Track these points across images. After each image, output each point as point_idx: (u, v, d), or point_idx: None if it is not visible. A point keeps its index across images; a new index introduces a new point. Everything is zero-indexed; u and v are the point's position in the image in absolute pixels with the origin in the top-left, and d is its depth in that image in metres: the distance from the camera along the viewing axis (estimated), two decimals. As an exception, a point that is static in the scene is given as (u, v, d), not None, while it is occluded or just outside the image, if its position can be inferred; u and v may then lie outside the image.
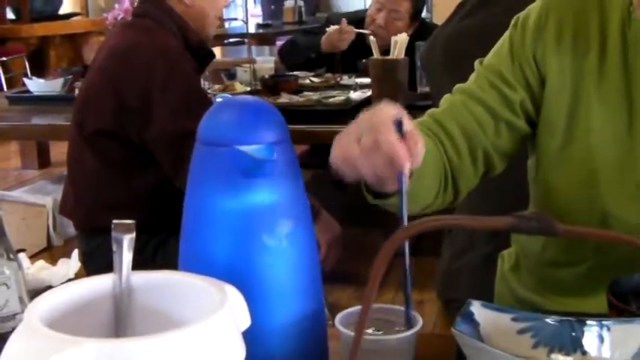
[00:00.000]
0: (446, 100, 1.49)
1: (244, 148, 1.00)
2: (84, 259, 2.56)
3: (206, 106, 1.09)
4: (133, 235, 0.92)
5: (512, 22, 1.49)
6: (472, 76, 1.50)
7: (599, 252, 1.39)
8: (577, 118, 1.39)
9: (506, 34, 1.49)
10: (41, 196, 4.14)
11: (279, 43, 8.16)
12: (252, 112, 1.05)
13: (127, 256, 0.92)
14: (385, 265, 0.55)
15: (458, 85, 1.50)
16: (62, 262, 1.51)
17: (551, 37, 1.41)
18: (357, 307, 1.03)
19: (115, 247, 0.91)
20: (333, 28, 3.86)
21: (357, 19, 3.98)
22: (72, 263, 1.51)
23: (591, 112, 1.37)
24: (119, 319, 0.92)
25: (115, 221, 0.92)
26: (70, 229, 3.70)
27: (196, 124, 1.06)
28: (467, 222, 0.62)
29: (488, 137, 1.44)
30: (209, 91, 3.37)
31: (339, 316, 1.04)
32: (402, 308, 1.06)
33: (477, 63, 1.51)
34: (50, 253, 3.93)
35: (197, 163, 1.06)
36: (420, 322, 1.03)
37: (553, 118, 1.42)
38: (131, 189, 2.56)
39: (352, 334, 0.96)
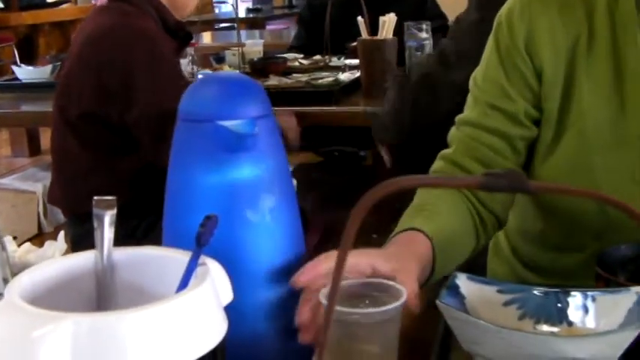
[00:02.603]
0: (453, 137, 1.45)
1: (226, 123, 1.00)
2: (73, 245, 2.57)
3: (185, 87, 1.09)
4: (114, 211, 0.92)
5: (496, 21, 1.44)
6: (470, 102, 1.46)
7: (599, 239, 1.38)
8: (569, 103, 1.37)
9: (491, 38, 1.45)
10: (31, 183, 4.12)
11: (269, 27, 8.16)
12: (232, 87, 1.05)
13: (109, 232, 0.91)
14: (356, 227, 0.54)
15: (459, 117, 1.46)
16: (48, 244, 1.50)
17: (539, 27, 1.38)
18: (345, 282, 1.01)
19: (95, 224, 0.91)
20: None
21: None
22: (58, 245, 1.50)
23: (583, 97, 1.36)
24: (101, 296, 0.92)
25: (95, 197, 0.92)
26: (61, 216, 3.68)
27: (176, 105, 1.06)
28: (440, 181, 0.61)
29: (509, 159, 1.42)
30: (199, 75, 3.36)
31: (324, 290, 1.01)
32: (388, 282, 1.03)
33: (471, 84, 1.47)
34: (41, 239, 3.89)
35: (179, 140, 1.05)
36: (404, 295, 0.99)
37: (549, 107, 1.40)
38: (117, 173, 2.55)
39: (341, 309, 0.95)
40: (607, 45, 1.35)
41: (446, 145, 1.46)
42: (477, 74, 1.46)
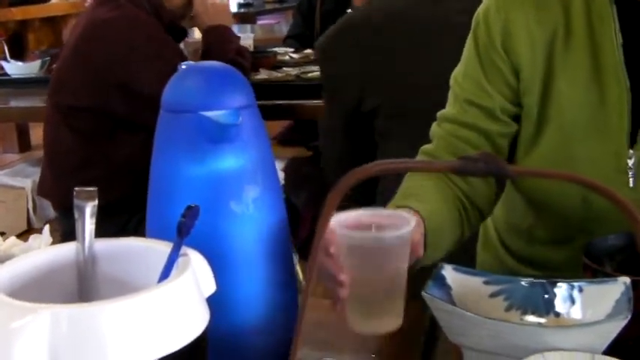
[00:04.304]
0: (434, 133, 1.45)
1: (209, 113, 0.99)
2: (64, 239, 2.56)
3: None
4: (95, 202, 0.91)
5: (474, 20, 1.44)
6: (450, 99, 1.47)
7: (585, 232, 1.37)
8: (549, 98, 1.37)
9: (470, 36, 1.45)
10: (20, 179, 4.12)
11: (260, 22, 8.14)
12: (215, 77, 1.04)
13: (90, 224, 0.90)
14: (332, 213, 0.54)
15: (440, 113, 1.47)
16: (33, 237, 1.49)
17: (515, 24, 1.38)
18: (353, 212, 1.03)
19: (77, 215, 0.90)
20: None
21: None
22: (43, 238, 1.49)
23: (562, 91, 1.36)
24: (83, 287, 0.91)
25: (76, 188, 0.91)
26: (50, 211, 3.68)
27: None
28: (415, 165, 0.60)
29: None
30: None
31: (335, 217, 0.99)
32: (396, 212, 1.05)
33: (452, 81, 1.47)
34: (31, 235, 3.89)
35: (162, 130, 1.04)
36: (413, 221, 1.02)
37: (528, 102, 1.40)
38: (110, 164, 2.56)
39: (352, 233, 1.00)
40: (584, 38, 1.35)
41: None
42: (457, 72, 1.47)
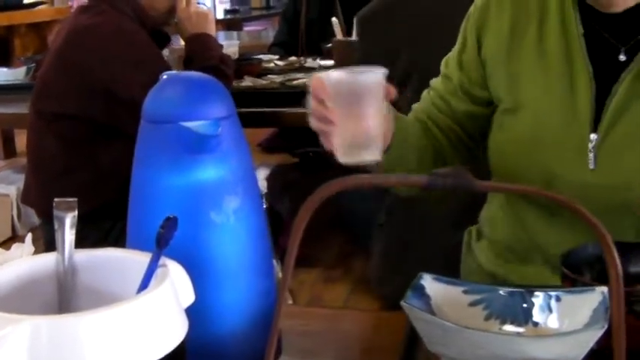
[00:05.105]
0: (422, 97, 1.62)
1: (188, 124, 0.99)
2: (48, 247, 2.56)
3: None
4: (75, 213, 0.91)
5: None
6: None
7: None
8: (520, 89, 1.45)
9: (464, 21, 1.58)
10: (5, 186, 4.11)
11: (247, 28, 8.15)
12: (195, 87, 1.04)
13: (70, 234, 0.91)
14: (303, 226, 0.54)
15: (431, 80, 1.62)
16: (16, 246, 1.48)
17: (491, 16, 1.49)
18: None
19: (56, 226, 0.91)
20: None
21: None
22: (25, 247, 1.49)
23: (535, 81, 1.43)
24: (63, 298, 0.91)
25: (56, 199, 0.91)
26: (35, 219, 3.66)
27: None
28: (384, 180, 0.61)
29: (449, 118, 1.55)
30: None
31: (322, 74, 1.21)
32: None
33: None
34: (15, 242, 3.88)
35: (142, 141, 1.05)
36: (383, 69, 1.18)
37: (495, 87, 1.50)
38: (94, 171, 2.56)
39: (333, 75, 1.19)
40: (557, 28, 1.42)
41: None
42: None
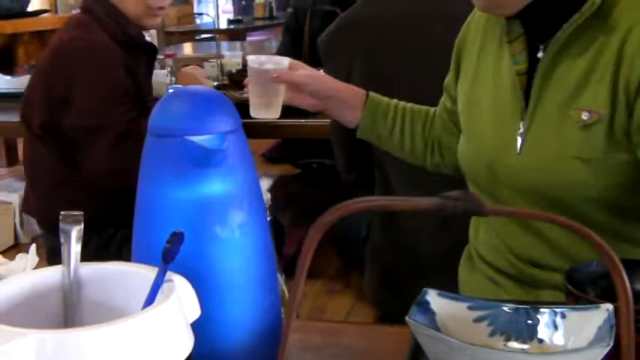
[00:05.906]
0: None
1: (194, 138, 0.99)
2: (49, 257, 2.56)
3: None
4: (81, 226, 0.91)
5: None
6: None
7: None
8: (477, 84, 1.64)
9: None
10: (7, 194, 4.10)
11: (250, 38, 8.16)
12: (201, 102, 1.04)
13: (76, 248, 0.91)
14: (313, 248, 0.54)
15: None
16: (20, 256, 1.48)
17: (472, 27, 1.69)
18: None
19: (62, 239, 0.91)
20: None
21: None
22: (30, 257, 1.49)
23: (487, 79, 1.61)
24: (68, 311, 0.91)
25: (62, 212, 0.91)
26: (37, 227, 3.67)
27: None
28: (393, 203, 0.61)
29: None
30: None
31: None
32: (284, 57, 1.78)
33: None
34: (17, 250, 3.86)
35: (148, 155, 1.05)
36: (287, 61, 1.74)
37: (461, 88, 1.70)
38: (86, 184, 2.56)
39: (250, 59, 1.76)
40: (495, 39, 1.60)
41: None
42: None
